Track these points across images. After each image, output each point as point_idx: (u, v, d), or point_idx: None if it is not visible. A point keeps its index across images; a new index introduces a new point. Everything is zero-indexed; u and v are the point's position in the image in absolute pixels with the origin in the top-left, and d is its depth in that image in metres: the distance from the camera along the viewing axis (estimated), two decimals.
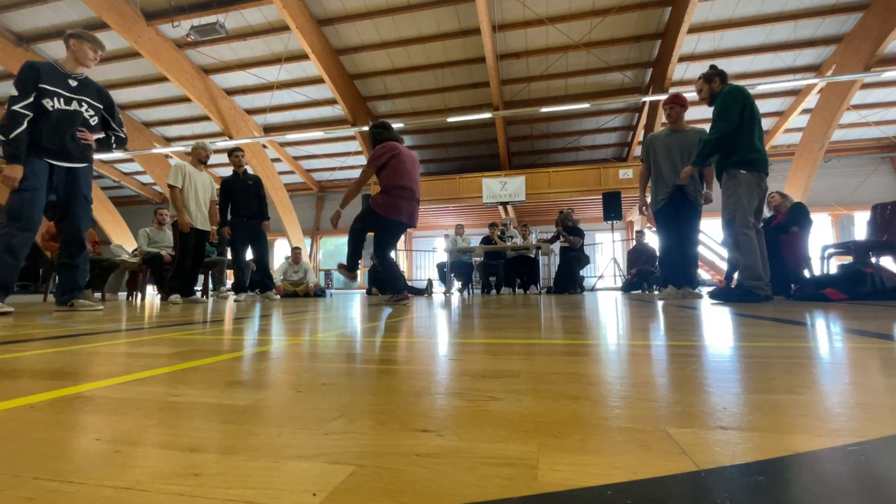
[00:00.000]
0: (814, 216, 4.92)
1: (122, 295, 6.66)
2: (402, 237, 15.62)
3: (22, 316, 2.51)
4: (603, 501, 0.31)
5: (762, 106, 11.19)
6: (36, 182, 2.72)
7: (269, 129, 13.94)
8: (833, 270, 4.79)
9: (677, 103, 3.90)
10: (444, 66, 11.67)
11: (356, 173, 16.34)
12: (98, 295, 5.47)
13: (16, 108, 2.66)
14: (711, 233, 10.80)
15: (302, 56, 10.89)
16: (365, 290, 8.03)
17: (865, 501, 0.30)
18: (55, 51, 10.95)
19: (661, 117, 11.38)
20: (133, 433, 0.48)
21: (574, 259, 7.02)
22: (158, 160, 14.58)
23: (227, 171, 5.23)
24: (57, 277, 3.09)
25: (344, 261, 3.75)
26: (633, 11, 9.97)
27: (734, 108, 3.09)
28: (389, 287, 3.78)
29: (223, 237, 4.95)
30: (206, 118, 13.12)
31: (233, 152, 5.09)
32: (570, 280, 7.02)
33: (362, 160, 14.81)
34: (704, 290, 4.90)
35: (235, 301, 4.79)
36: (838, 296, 3.15)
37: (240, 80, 12.31)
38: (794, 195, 10.41)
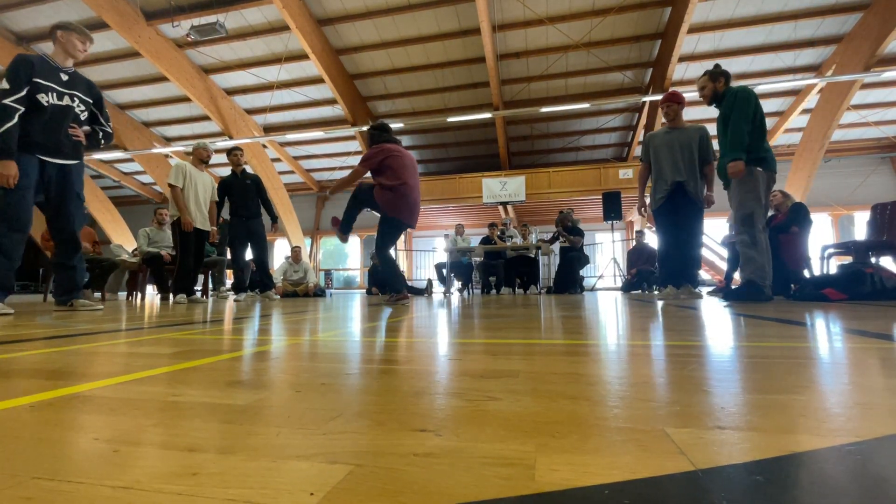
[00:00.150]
0: (814, 216, 4.92)
1: (122, 295, 6.66)
2: (402, 237, 15.65)
3: (22, 316, 2.51)
4: (601, 501, 0.31)
5: (762, 106, 11.20)
6: (26, 181, 2.65)
7: (269, 129, 13.94)
8: (833, 270, 4.79)
9: (674, 101, 3.89)
10: (444, 66, 11.67)
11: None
12: (98, 295, 5.47)
13: (7, 101, 2.58)
14: (710, 232, 10.81)
15: (302, 56, 10.89)
16: (365, 290, 8.03)
17: (864, 501, 0.30)
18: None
19: (661, 117, 11.45)
20: (132, 433, 0.48)
21: (574, 259, 7.02)
22: (158, 160, 14.58)
23: (228, 171, 5.22)
24: (54, 278, 3.05)
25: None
26: (633, 11, 9.97)
27: (749, 109, 3.11)
28: (389, 287, 3.77)
29: (224, 236, 4.95)
30: (206, 118, 13.12)
31: (231, 151, 5.09)
32: (569, 280, 7.02)
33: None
34: (704, 290, 4.91)
35: (235, 301, 4.79)
36: (838, 296, 3.16)
37: (240, 80, 12.31)
38: (794, 195, 10.41)
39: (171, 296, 4.57)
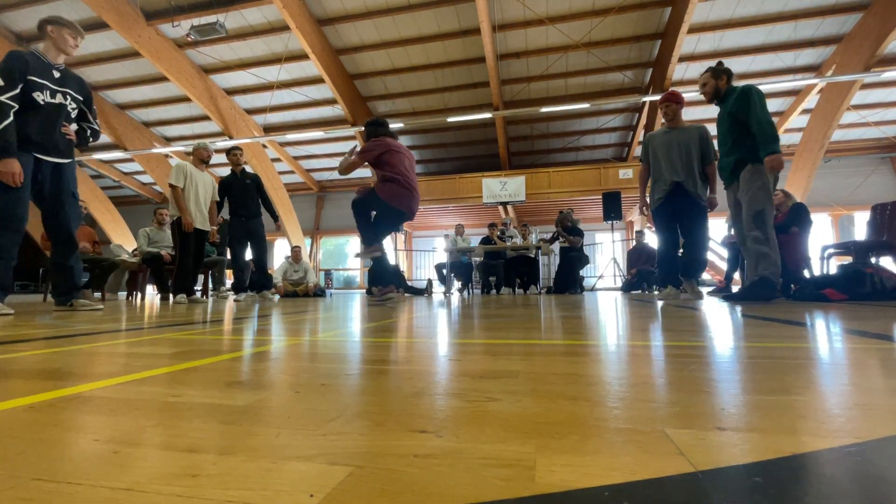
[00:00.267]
0: (814, 216, 4.92)
1: (122, 295, 6.66)
2: (402, 237, 15.64)
3: (22, 316, 2.51)
4: (601, 502, 0.31)
5: None
6: (24, 180, 2.63)
7: (269, 129, 13.95)
8: (833, 271, 4.79)
9: (673, 101, 3.86)
10: (444, 66, 11.67)
11: (357, 173, 16.29)
12: (98, 295, 5.47)
13: (2, 98, 2.53)
14: (710, 233, 10.80)
15: (302, 56, 10.89)
16: (365, 290, 8.03)
17: (864, 502, 0.30)
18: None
19: (661, 117, 11.45)
20: (132, 434, 0.48)
21: (574, 259, 7.02)
22: (158, 160, 14.58)
23: (228, 171, 5.22)
24: (52, 279, 3.01)
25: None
26: (633, 11, 9.98)
27: (765, 103, 3.08)
28: (375, 280, 3.78)
29: (224, 236, 4.95)
30: (206, 118, 13.13)
31: (231, 151, 5.08)
32: (569, 280, 7.02)
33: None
34: (704, 290, 4.90)
35: (235, 301, 4.79)
36: (838, 296, 3.15)
37: (240, 80, 12.31)
38: (794, 195, 10.39)
39: (170, 296, 4.57)
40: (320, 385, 0.71)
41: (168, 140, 14.91)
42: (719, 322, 1.69)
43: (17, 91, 2.59)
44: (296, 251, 7.53)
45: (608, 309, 2.67)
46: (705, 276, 11.51)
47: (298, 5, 9.72)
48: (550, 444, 0.43)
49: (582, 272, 7.39)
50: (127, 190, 18.12)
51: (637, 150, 14.04)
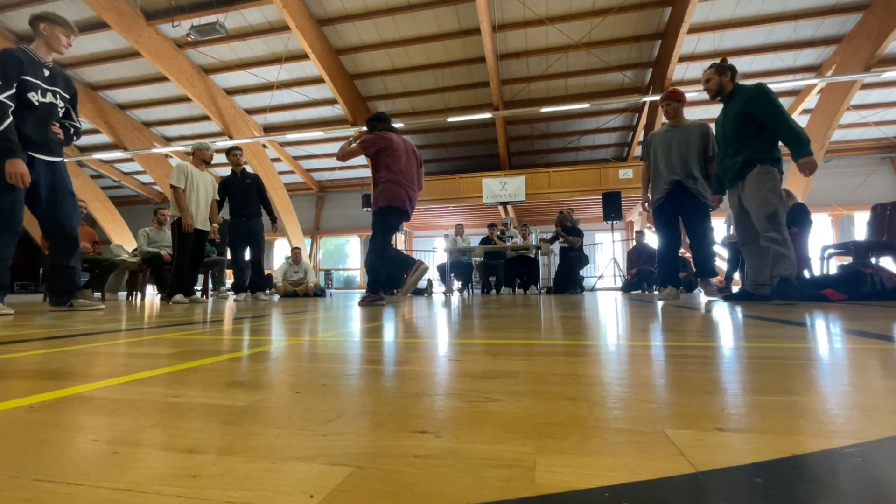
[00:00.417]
0: (814, 216, 4.92)
1: (122, 295, 6.66)
2: (402, 236, 15.64)
3: (21, 316, 2.51)
4: (600, 503, 0.31)
5: None
6: (29, 179, 2.61)
7: (269, 129, 13.95)
8: (833, 271, 4.79)
9: (673, 99, 3.84)
10: (444, 66, 11.67)
11: (356, 173, 16.36)
12: (98, 295, 5.47)
13: (0, 98, 2.49)
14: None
15: (302, 56, 10.89)
16: (365, 291, 8.04)
17: (864, 503, 0.30)
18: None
19: (661, 117, 11.44)
20: (132, 434, 0.48)
21: (574, 259, 7.02)
22: (158, 160, 14.58)
23: (227, 171, 5.22)
24: (51, 279, 2.95)
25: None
26: (633, 11, 9.97)
27: (779, 103, 3.02)
28: (370, 286, 3.67)
29: (224, 236, 4.95)
30: (206, 118, 13.13)
31: (231, 151, 5.08)
32: (569, 280, 7.02)
33: (362, 160, 14.79)
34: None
35: (235, 301, 4.79)
36: (838, 296, 3.15)
37: (240, 80, 12.31)
38: (795, 195, 10.41)
39: (168, 296, 4.56)
40: (320, 385, 0.71)
41: (168, 140, 14.91)
42: (719, 322, 1.69)
43: (14, 91, 2.56)
44: (296, 252, 7.53)
45: (608, 309, 2.66)
46: None
47: (298, 5, 9.72)
48: (550, 444, 0.43)
49: (582, 272, 7.39)
50: (127, 190, 18.12)
51: (637, 151, 14.05)
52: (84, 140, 15.16)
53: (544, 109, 11.51)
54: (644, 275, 7.48)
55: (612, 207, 9.86)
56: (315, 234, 17.59)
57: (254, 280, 5.10)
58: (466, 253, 7.73)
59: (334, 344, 1.22)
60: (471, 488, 0.34)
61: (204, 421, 0.52)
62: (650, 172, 3.91)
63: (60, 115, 2.87)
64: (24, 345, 1.25)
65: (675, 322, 1.71)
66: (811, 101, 11.36)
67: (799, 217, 4.62)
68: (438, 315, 2.30)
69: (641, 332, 1.38)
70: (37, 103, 2.67)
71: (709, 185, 3.68)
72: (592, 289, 9.89)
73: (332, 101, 12.52)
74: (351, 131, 12.68)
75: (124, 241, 15.41)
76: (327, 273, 16.04)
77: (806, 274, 4.62)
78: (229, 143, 11.47)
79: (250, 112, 13.61)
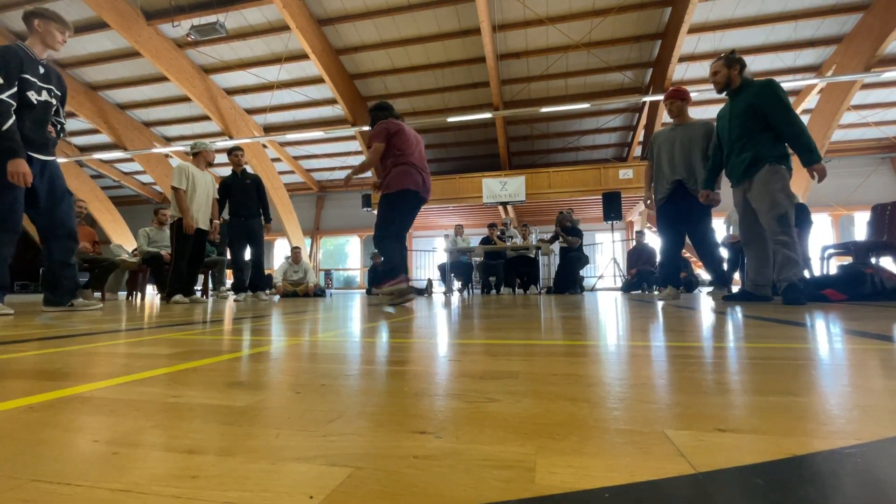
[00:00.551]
0: (814, 216, 4.91)
1: (122, 294, 6.66)
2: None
3: (21, 316, 2.51)
4: None
5: None
6: (31, 179, 2.60)
7: (269, 129, 13.95)
8: (833, 271, 4.79)
9: (677, 97, 3.79)
10: (444, 66, 11.67)
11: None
12: (98, 294, 5.47)
13: (3, 97, 2.47)
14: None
15: (302, 56, 10.89)
16: (365, 290, 8.03)
17: None
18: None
19: (662, 117, 11.46)
20: (131, 435, 0.48)
21: (574, 259, 7.02)
22: (158, 160, 14.58)
23: (227, 171, 5.23)
24: (51, 279, 2.90)
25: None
26: (633, 11, 9.98)
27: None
28: (387, 273, 3.36)
29: (223, 236, 4.95)
30: (206, 118, 13.13)
31: (232, 151, 5.09)
32: (569, 280, 7.02)
33: (362, 160, 14.80)
34: (704, 291, 4.89)
35: (235, 301, 4.79)
36: (838, 296, 3.15)
37: (240, 80, 12.31)
38: (796, 195, 10.41)
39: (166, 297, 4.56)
40: (320, 386, 0.70)
41: (168, 140, 14.91)
42: (718, 323, 1.69)
43: (15, 90, 2.55)
44: (295, 252, 7.53)
45: (608, 309, 2.66)
46: (706, 276, 11.50)
47: (298, 5, 9.72)
48: (550, 445, 0.43)
49: (582, 272, 7.39)
50: (127, 190, 18.12)
51: (637, 151, 14.05)
52: (84, 140, 15.17)
53: (544, 109, 11.51)
54: (644, 275, 7.48)
55: (612, 207, 9.86)
56: (315, 234, 17.59)
57: (254, 280, 5.10)
58: (466, 253, 7.73)
59: (334, 344, 1.22)
60: (471, 489, 0.34)
61: (203, 421, 0.52)
62: (653, 172, 3.88)
63: (52, 113, 2.86)
64: (24, 345, 1.25)
65: (675, 322, 1.71)
66: (811, 101, 11.36)
67: (799, 217, 4.61)
68: (438, 315, 2.30)
69: (641, 333, 1.38)
70: (35, 102, 2.66)
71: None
72: (592, 289, 9.89)
73: (332, 101, 12.52)
74: (351, 131, 12.69)
75: (124, 241, 15.41)
76: (327, 273, 16.05)
77: (806, 274, 4.62)
78: (230, 144, 11.48)
79: (250, 112, 13.61)
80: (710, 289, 3.89)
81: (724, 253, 6.09)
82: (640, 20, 10.28)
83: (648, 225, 13.38)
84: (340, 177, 16.87)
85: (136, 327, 1.78)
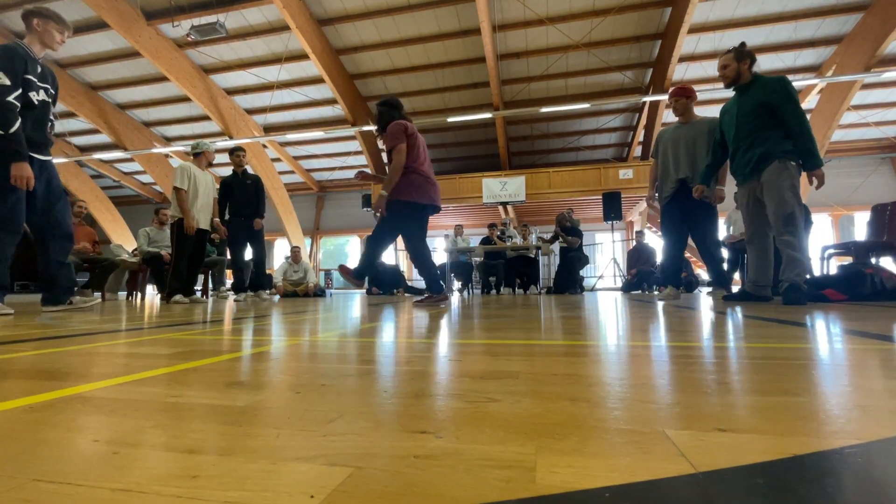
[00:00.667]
0: (814, 216, 4.91)
1: (122, 294, 6.66)
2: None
3: (21, 316, 2.51)
4: None
5: None
6: (33, 183, 2.61)
7: (269, 129, 13.95)
8: (833, 271, 4.79)
9: (682, 95, 3.76)
10: (444, 66, 11.67)
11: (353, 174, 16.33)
12: (98, 294, 5.47)
13: (10, 98, 2.46)
14: None
15: (302, 56, 10.89)
16: (365, 290, 8.02)
17: None
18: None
19: (662, 118, 11.46)
20: (131, 434, 0.48)
21: (574, 259, 7.02)
22: (158, 160, 14.59)
23: (228, 171, 5.23)
24: (50, 279, 2.89)
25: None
26: (633, 11, 9.98)
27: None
28: (432, 286, 3.29)
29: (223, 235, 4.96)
30: (206, 118, 13.13)
31: (234, 152, 5.09)
32: (569, 280, 7.02)
33: (362, 160, 14.81)
34: (704, 291, 4.89)
35: (235, 301, 4.79)
36: (838, 296, 3.15)
37: (240, 80, 12.31)
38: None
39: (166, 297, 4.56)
40: (320, 385, 0.70)
41: (168, 140, 14.92)
42: (718, 323, 1.69)
43: (21, 91, 2.55)
44: (295, 252, 7.53)
45: (608, 309, 2.66)
46: (705, 276, 11.50)
47: (298, 5, 9.72)
48: (551, 445, 0.43)
49: (582, 272, 7.39)
50: (127, 190, 18.12)
51: (637, 151, 14.05)
52: (84, 140, 15.18)
53: (544, 109, 11.51)
54: (644, 275, 7.48)
55: (613, 207, 9.86)
56: (315, 234, 17.60)
57: (256, 279, 5.10)
58: (466, 253, 7.73)
59: (334, 344, 1.22)
60: (471, 489, 0.34)
61: (204, 421, 0.52)
62: (659, 171, 3.85)
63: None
64: (24, 345, 1.25)
65: (675, 322, 1.71)
66: (811, 101, 11.36)
67: None
68: (439, 315, 2.30)
69: (641, 333, 1.38)
70: (36, 102, 2.66)
71: (715, 182, 3.51)
72: (592, 289, 9.89)
73: (332, 101, 12.53)
74: (351, 131, 12.69)
75: (124, 241, 15.41)
76: (327, 273, 16.05)
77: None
78: (230, 144, 11.48)
79: (250, 112, 13.61)
80: (710, 289, 3.89)
81: (724, 253, 6.10)
82: (640, 20, 10.28)
83: (648, 225, 13.39)
84: (340, 177, 16.88)
85: (136, 327, 1.78)
